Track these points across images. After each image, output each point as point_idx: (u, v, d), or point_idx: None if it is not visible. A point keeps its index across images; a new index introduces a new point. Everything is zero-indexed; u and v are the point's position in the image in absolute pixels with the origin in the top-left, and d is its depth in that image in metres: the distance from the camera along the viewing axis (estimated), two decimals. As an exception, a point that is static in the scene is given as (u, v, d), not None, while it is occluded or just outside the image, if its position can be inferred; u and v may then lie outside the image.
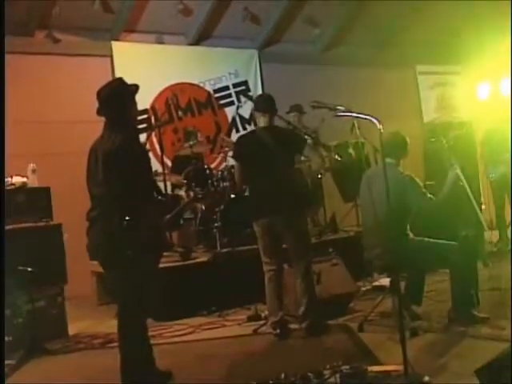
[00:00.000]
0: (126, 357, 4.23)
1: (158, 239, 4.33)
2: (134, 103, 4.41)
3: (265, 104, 5.85)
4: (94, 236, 4.24)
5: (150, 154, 6.58)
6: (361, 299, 6.51)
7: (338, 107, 4.94)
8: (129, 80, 4.47)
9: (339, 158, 8.14)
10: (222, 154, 9.04)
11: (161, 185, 7.21)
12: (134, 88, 4.41)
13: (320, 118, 7.80)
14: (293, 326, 5.68)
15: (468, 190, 5.39)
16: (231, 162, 7.74)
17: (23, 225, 6.17)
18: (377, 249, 5.28)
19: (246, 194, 7.31)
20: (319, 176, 8.28)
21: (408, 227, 5.34)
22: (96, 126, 4.50)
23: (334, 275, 6.27)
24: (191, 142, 8.04)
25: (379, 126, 4.12)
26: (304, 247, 5.70)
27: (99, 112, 4.35)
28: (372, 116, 4.23)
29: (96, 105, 4.34)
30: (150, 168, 4.54)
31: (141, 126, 8.56)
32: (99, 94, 4.34)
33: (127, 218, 4.00)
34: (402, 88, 11.69)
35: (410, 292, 5.57)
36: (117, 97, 4.32)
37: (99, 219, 4.19)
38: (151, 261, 4.36)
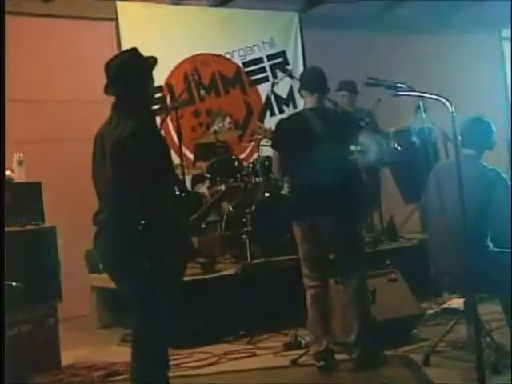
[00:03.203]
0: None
1: (181, 246, 4.32)
2: (151, 80, 4.41)
3: (313, 80, 5.82)
4: (104, 244, 4.25)
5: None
6: (427, 325, 6.48)
7: (399, 85, 4.93)
8: (138, 50, 4.49)
9: (399, 148, 8.13)
10: (253, 143, 9.04)
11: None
12: (152, 61, 4.40)
13: (376, 98, 7.81)
14: (341, 356, 5.68)
15: None
16: (265, 151, 7.76)
17: (8, 229, 6.18)
18: (448, 262, 5.25)
19: (284, 192, 7.32)
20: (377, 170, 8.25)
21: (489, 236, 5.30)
22: (99, 107, 4.54)
23: (393, 294, 6.25)
24: (216, 127, 8.04)
25: (451, 109, 4.11)
26: (358, 258, 5.68)
27: (107, 90, 4.33)
28: (441, 96, 4.22)
29: (100, 81, 4.35)
30: (170, 159, 4.54)
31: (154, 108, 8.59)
32: (108, 67, 4.32)
33: (143, 221, 4.03)
34: (481, 58, 11.59)
35: None
36: (130, 72, 4.30)
37: (109, 223, 4.19)
38: (174, 273, 4.37)
